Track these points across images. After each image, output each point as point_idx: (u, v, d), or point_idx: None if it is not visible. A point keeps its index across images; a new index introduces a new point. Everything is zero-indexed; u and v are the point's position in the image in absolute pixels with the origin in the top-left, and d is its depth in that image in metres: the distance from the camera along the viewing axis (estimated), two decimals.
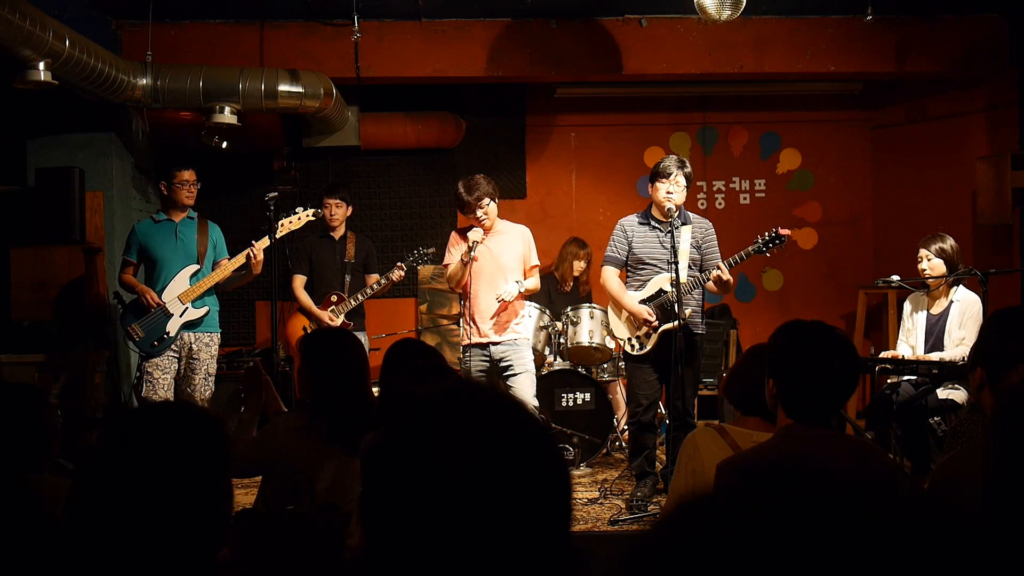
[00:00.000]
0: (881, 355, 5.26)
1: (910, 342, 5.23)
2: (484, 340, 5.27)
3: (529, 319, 5.79)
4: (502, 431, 0.97)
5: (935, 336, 5.11)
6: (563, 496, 1.00)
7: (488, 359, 5.28)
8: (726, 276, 4.80)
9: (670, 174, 4.94)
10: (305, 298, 6.09)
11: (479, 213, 5.20)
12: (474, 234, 5.17)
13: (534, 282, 5.41)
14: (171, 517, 1.45)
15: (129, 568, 1.42)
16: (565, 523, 1.00)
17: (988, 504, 1.54)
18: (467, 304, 5.32)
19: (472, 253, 5.12)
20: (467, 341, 5.32)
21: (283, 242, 5.91)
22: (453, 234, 5.44)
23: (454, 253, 5.33)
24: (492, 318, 5.23)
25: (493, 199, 5.25)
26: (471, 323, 5.29)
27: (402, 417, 1.00)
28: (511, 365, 5.25)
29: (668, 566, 0.72)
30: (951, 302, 5.07)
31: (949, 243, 5.07)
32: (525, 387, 5.24)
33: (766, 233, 4.90)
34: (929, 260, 5.06)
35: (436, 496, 0.93)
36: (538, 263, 5.48)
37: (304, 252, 6.21)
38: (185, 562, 1.46)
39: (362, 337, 6.14)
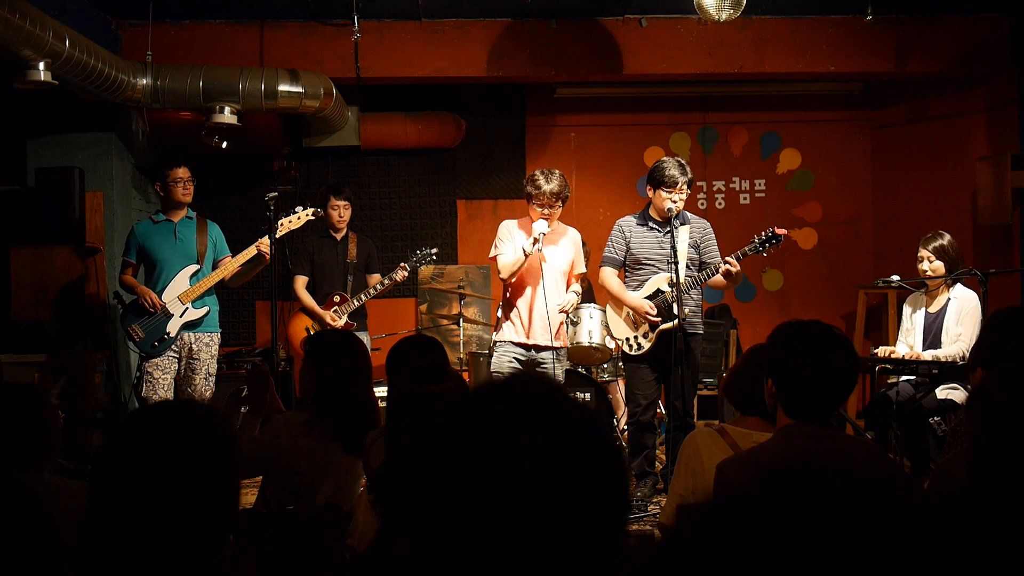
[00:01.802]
0: (877, 350, 5.25)
1: (908, 341, 5.24)
2: (529, 342, 5.03)
3: None
4: (565, 428, 0.96)
5: (933, 333, 5.11)
6: (623, 491, 0.99)
7: (524, 359, 5.06)
8: (735, 268, 4.81)
9: (676, 183, 4.92)
10: (308, 299, 6.07)
11: (547, 212, 4.95)
12: (540, 225, 4.89)
13: (579, 289, 5.29)
14: (183, 516, 1.46)
15: (144, 567, 1.43)
16: (623, 517, 0.99)
17: (975, 495, 1.55)
18: (515, 301, 5.07)
19: (538, 246, 4.85)
20: (505, 337, 5.08)
21: (283, 242, 5.91)
22: (506, 224, 5.18)
23: (506, 244, 5.08)
24: (547, 323, 4.99)
25: (564, 203, 5.04)
26: (517, 321, 5.06)
27: (457, 414, 0.99)
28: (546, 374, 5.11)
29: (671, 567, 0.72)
30: (948, 299, 5.08)
31: (948, 240, 5.07)
32: None
33: (762, 233, 4.90)
34: (931, 261, 5.06)
35: (500, 492, 0.92)
36: (584, 270, 5.36)
37: (306, 252, 6.19)
38: (195, 560, 1.47)
39: (364, 337, 6.13)
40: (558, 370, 5.13)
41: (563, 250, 5.17)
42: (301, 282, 6.11)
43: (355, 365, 3.23)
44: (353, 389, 3.18)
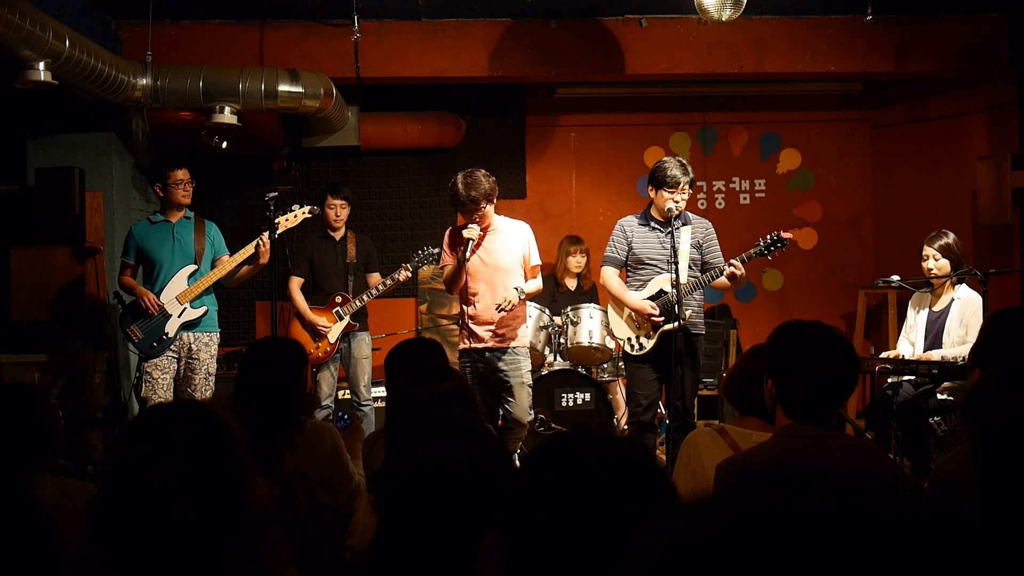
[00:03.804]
0: (881, 356, 5.26)
1: (911, 338, 5.24)
2: (480, 346, 4.93)
3: (529, 319, 5.57)
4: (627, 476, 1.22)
5: (934, 333, 5.12)
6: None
7: (483, 367, 4.97)
8: (740, 271, 4.80)
9: (678, 184, 4.90)
10: (301, 302, 6.03)
11: (475, 216, 4.86)
12: (469, 231, 4.82)
13: (536, 284, 5.11)
14: (189, 516, 1.47)
15: (150, 567, 1.44)
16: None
17: (980, 498, 1.55)
18: (464, 307, 5.01)
19: (467, 252, 4.80)
20: (463, 346, 5.03)
21: (283, 242, 5.91)
22: (449, 232, 5.12)
23: (450, 253, 5.05)
24: (491, 325, 4.92)
25: (491, 202, 4.89)
26: (467, 328, 4.98)
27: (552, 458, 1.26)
28: (507, 376, 4.94)
29: (671, 567, 0.72)
30: (952, 300, 5.08)
31: (952, 239, 5.10)
32: (522, 399, 4.96)
33: (768, 236, 4.90)
34: (936, 260, 5.07)
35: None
36: (539, 263, 5.19)
37: (304, 253, 6.17)
38: (199, 559, 1.48)
39: (365, 337, 6.13)
40: (520, 372, 4.98)
41: (508, 247, 5.01)
42: (296, 283, 6.08)
43: (286, 378, 3.08)
44: (276, 402, 3.05)
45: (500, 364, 4.96)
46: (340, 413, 6.13)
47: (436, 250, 5.95)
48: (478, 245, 4.96)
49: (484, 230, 4.96)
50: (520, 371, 4.99)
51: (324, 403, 5.96)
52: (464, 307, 5.01)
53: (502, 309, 4.86)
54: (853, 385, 2.30)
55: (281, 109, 6.19)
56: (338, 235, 6.17)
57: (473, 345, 4.96)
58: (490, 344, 4.93)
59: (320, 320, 5.96)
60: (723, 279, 4.91)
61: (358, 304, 5.98)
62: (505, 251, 5.01)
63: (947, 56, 6.73)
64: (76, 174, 5.88)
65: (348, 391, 6.32)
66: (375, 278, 6.19)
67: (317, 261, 6.11)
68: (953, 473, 2.17)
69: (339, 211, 6.11)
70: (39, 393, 2.67)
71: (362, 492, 3.09)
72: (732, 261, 4.83)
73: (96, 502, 1.53)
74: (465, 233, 4.83)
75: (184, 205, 5.50)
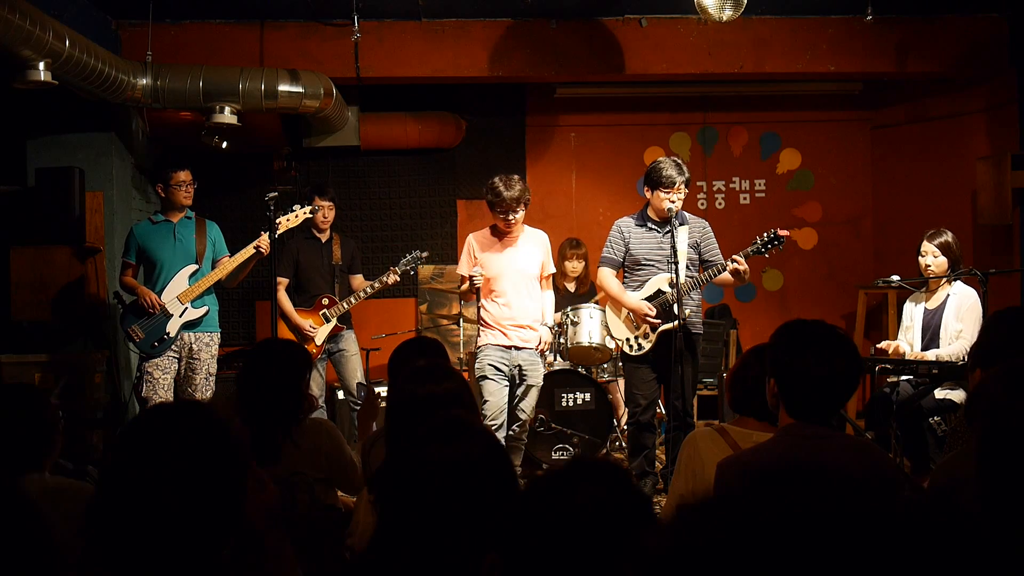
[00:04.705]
0: (880, 345, 5.25)
1: (908, 339, 5.24)
2: (508, 343, 5.18)
3: None
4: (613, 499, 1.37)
5: (932, 330, 5.11)
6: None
7: (507, 363, 5.18)
8: (743, 266, 4.84)
9: (673, 183, 4.94)
10: (288, 305, 6.00)
11: (510, 217, 5.09)
12: (476, 279, 5.14)
13: (551, 300, 5.43)
14: (188, 517, 1.47)
15: (149, 567, 1.44)
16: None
17: (983, 499, 1.55)
18: (490, 309, 5.22)
19: (473, 289, 5.16)
20: (486, 341, 5.21)
21: (282, 242, 5.90)
22: (471, 239, 5.34)
23: (462, 266, 5.32)
24: (521, 327, 5.19)
25: (526, 206, 5.16)
26: (494, 324, 5.20)
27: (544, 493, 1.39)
28: (527, 376, 5.21)
29: (672, 567, 0.72)
30: (948, 295, 5.09)
31: (951, 237, 5.11)
32: (532, 399, 5.27)
33: (765, 234, 4.91)
34: (936, 257, 5.07)
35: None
36: (554, 271, 5.50)
37: (290, 254, 6.12)
38: (198, 560, 1.48)
39: (351, 335, 6.14)
40: (538, 374, 5.26)
41: (530, 255, 5.27)
42: (283, 285, 6.06)
43: (291, 380, 3.09)
44: (280, 403, 3.05)
45: (522, 363, 5.21)
46: (358, 389, 6.16)
47: (425, 254, 6.11)
48: (502, 246, 5.24)
49: (512, 238, 5.25)
50: (538, 373, 5.27)
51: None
52: (486, 303, 5.23)
53: (541, 350, 5.25)
54: (856, 385, 2.30)
55: (281, 109, 6.19)
56: (324, 237, 6.16)
57: (501, 341, 5.19)
58: (516, 343, 5.19)
59: (306, 323, 5.96)
60: (726, 275, 4.93)
61: (345, 307, 5.98)
62: (529, 257, 5.28)
63: (947, 56, 6.73)
64: (76, 174, 5.87)
65: (341, 391, 6.33)
66: (358, 280, 6.20)
67: (303, 263, 6.10)
68: (954, 473, 2.17)
69: (327, 212, 6.11)
70: (39, 393, 2.67)
71: (362, 491, 3.09)
72: (735, 256, 4.85)
73: (94, 502, 1.53)
74: (473, 278, 5.15)
75: (186, 206, 5.50)
